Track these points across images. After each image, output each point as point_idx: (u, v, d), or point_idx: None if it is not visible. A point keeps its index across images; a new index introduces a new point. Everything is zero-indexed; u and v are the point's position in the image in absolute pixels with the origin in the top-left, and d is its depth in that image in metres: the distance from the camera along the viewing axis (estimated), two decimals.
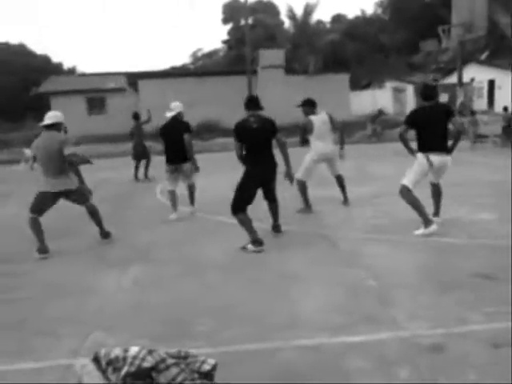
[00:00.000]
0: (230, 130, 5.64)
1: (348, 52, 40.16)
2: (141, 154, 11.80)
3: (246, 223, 5.41)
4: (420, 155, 5.68)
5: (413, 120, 5.73)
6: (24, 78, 35.46)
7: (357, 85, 33.99)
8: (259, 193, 5.64)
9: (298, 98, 7.98)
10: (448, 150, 5.70)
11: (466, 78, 26.80)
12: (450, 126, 5.75)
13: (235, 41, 45.10)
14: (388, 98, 32.91)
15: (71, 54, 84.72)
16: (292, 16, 31.73)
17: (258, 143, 5.52)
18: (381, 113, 22.23)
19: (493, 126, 17.40)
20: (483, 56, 32.80)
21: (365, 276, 4.40)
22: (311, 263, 4.88)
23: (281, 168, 5.70)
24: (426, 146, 5.63)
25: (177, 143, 7.07)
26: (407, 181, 5.68)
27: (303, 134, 7.30)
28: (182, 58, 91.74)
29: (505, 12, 31.84)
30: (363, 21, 46.60)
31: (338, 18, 49.44)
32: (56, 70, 40.75)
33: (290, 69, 27.71)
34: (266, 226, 6.02)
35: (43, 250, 5.59)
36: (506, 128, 15.73)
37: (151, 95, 23.83)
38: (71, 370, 2.73)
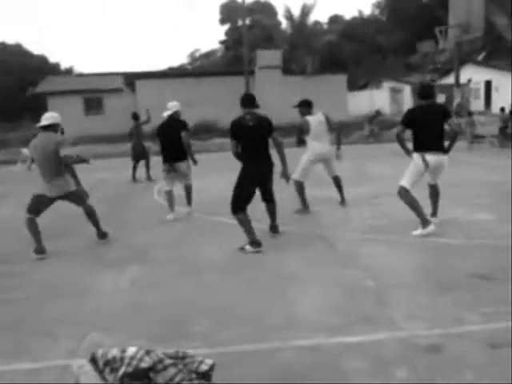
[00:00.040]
0: (228, 131, 5.64)
1: (345, 53, 40.26)
2: (140, 155, 11.77)
3: (246, 224, 5.39)
4: (416, 155, 5.68)
5: (409, 119, 5.72)
6: (21, 78, 35.46)
7: (354, 85, 34.08)
8: (257, 193, 5.63)
9: (295, 99, 7.97)
10: (444, 150, 5.71)
11: (462, 79, 26.90)
12: (446, 127, 5.76)
13: (233, 41, 45.13)
14: (385, 99, 32.98)
15: (68, 54, 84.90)
16: (289, 16, 31.78)
17: (254, 141, 5.50)
18: (378, 113, 22.25)
19: (490, 126, 17.43)
20: (480, 57, 32.89)
21: (362, 276, 4.40)
22: (309, 264, 4.88)
23: (277, 168, 5.70)
24: (422, 146, 5.63)
25: (173, 142, 7.10)
26: (405, 182, 5.69)
27: (300, 134, 7.32)
28: (179, 59, 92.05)
29: (501, 13, 31.96)
30: (360, 21, 46.69)
31: (335, 19, 49.56)
32: (53, 70, 40.75)
33: (287, 69, 27.78)
34: (264, 226, 6.01)
35: (40, 250, 5.58)
36: (502, 129, 15.78)
37: (149, 95, 23.80)
38: (68, 370, 2.73)
